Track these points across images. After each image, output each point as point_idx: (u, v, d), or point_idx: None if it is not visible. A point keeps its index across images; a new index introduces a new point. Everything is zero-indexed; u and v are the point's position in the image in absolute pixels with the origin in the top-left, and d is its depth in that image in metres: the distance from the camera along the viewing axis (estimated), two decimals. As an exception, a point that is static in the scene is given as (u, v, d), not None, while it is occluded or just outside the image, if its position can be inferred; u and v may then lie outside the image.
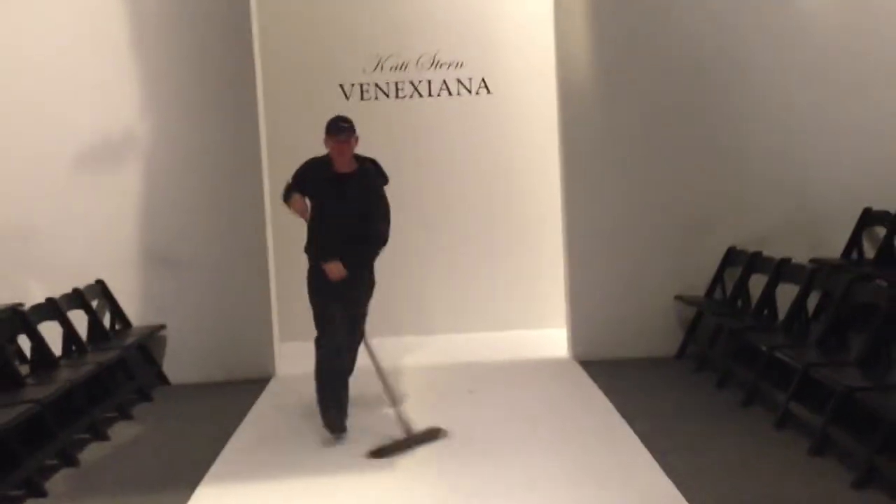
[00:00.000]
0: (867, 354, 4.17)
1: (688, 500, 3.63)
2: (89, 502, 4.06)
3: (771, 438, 4.41)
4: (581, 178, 6.46)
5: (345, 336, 4.74)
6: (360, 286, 4.82)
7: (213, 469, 4.36)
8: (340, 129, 4.67)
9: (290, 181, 4.86)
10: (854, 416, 3.90)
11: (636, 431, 4.60)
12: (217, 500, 4.00)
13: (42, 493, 4.09)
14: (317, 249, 4.76)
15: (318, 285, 4.77)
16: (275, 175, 6.15)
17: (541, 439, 4.60)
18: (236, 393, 5.86)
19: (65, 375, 4.84)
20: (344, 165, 4.72)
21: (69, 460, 4.49)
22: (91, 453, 4.74)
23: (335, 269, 4.67)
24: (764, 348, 4.87)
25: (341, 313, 4.72)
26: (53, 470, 4.40)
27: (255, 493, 4.08)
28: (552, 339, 6.89)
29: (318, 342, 4.78)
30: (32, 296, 5.78)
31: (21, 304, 5.70)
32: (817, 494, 3.66)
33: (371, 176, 4.77)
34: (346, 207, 4.69)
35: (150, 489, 4.17)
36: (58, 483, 4.27)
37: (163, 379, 6.25)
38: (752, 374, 5.00)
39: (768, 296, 5.55)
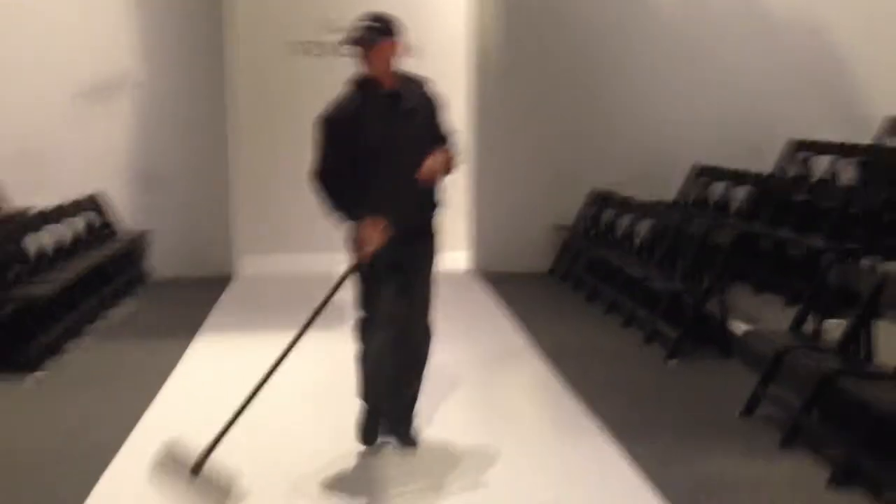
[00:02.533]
0: (686, 273, 5.90)
1: (558, 371, 5.48)
2: (109, 347, 5.69)
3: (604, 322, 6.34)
4: (485, 133, 8.21)
5: (400, 322, 3.64)
6: (427, 252, 3.74)
7: (201, 330, 6.03)
8: (360, 37, 3.48)
9: (320, 143, 3.54)
10: (677, 314, 5.60)
11: (515, 313, 6.46)
12: (208, 347, 5.69)
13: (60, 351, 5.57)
14: (349, 204, 3.52)
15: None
16: (237, 113, 7.79)
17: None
18: (207, 286, 7.50)
19: (61, 274, 5.94)
20: (390, 80, 3.54)
21: (77, 332, 5.87)
22: (101, 323, 6.33)
23: (373, 232, 3.43)
24: (615, 265, 6.63)
25: (398, 291, 3.61)
26: (72, 334, 5.89)
27: (236, 342, 5.78)
28: (455, 258, 8.62)
29: (362, 328, 3.69)
30: (41, 206, 7.25)
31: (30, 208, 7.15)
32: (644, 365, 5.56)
33: (420, 88, 3.66)
34: (405, 135, 3.52)
35: (154, 340, 5.82)
36: (78, 342, 5.82)
37: (145, 275, 7.82)
38: (604, 286, 6.80)
39: (613, 224, 7.39)
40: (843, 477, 3.47)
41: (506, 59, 8.16)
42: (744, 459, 3.83)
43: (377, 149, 3.48)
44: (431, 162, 3.47)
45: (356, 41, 3.45)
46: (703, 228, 5.70)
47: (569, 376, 4.98)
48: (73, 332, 5.80)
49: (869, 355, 3.95)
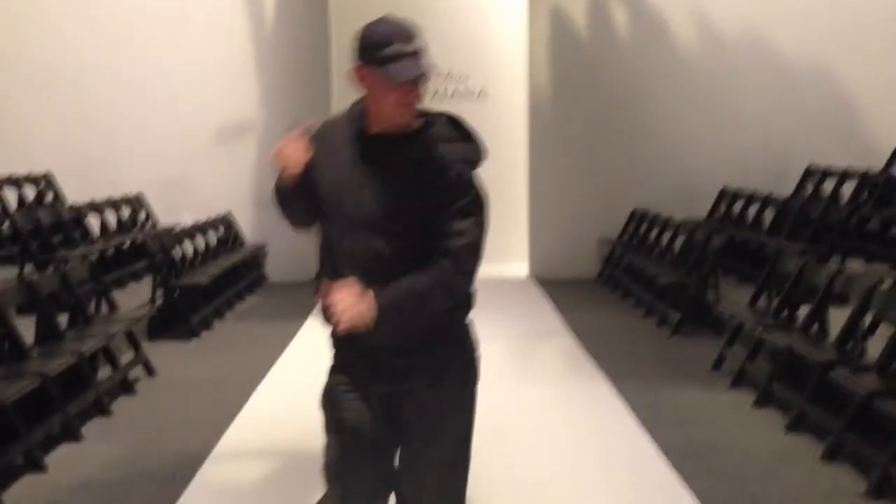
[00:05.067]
0: (689, 269, 7.41)
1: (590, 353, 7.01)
2: (242, 325, 7.47)
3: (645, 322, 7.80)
4: (541, 158, 9.79)
5: None
6: (445, 399, 2.28)
7: (308, 317, 7.75)
8: (408, 57, 2.12)
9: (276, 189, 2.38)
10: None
11: (559, 308, 7.99)
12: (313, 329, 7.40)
13: (209, 326, 7.46)
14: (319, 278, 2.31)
15: (333, 391, 2.30)
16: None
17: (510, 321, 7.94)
18: (311, 287, 9.26)
19: (210, 270, 8.01)
20: (399, 120, 2.19)
21: (220, 314, 7.84)
22: (235, 309, 8.14)
23: (346, 299, 2.10)
24: (652, 273, 8.04)
25: (382, 474, 2.29)
26: (217, 315, 7.77)
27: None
28: (514, 268, 10.15)
29: None
30: (184, 221, 9.16)
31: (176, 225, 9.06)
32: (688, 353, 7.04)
33: (446, 144, 2.21)
34: (388, 204, 2.18)
35: (274, 322, 7.57)
36: (222, 321, 7.64)
37: (264, 277, 9.65)
38: (645, 292, 8.19)
39: (656, 239, 8.79)
40: (763, 399, 4.91)
41: (559, 97, 9.74)
42: (703, 394, 5.30)
43: (340, 204, 2.21)
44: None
45: (405, 72, 2.12)
46: (703, 236, 7.13)
47: (589, 348, 6.47)
48: (218, 314, 7.63)
49: (824, 334, 5.20)
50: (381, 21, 2.17)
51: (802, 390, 4.60)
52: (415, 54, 2.13)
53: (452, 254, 2.17)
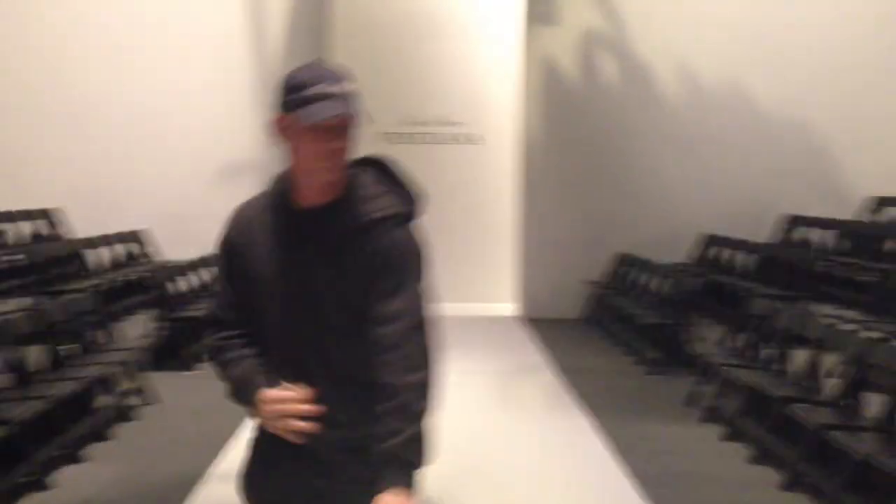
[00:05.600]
0: (678, 321, 7.72)
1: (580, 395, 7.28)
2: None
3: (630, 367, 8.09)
4: (531, 203, 10.14)
5: None
6: None
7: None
8: (331, 98, 1.78)
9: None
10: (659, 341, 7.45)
11: (544, 346, 8.27)
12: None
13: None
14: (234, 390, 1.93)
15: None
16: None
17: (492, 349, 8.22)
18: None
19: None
20: (327, 187, 1.86)
21: None
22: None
23: (282, 405, 1.82)
24: (633, 314, 8.40)
25: None
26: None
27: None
28: (501, 308, 10.42)
29: None
30: (186, 256, 9.45)
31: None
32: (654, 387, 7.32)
33: (373, 202, 1.87)
34: (323, 292, 1.84)
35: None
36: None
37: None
38: (626, 332, 8.51)
39: (639, 282, 9.13)
40: (731, 433, 5.19)
41: (550, 143, 10.13)
42: (676, 428, 5.58)
43: (272, 304, 1.86)
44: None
45: (329, 112, 1.78)
46: (681, 279, 7.45)
47: (570, 384, 6.74)
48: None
49: (783, 371, 5.49)
50: (307, 65, 1.84)
51: (765, 424, 4.88)
52: (341, 96, 1.78)
53: (392, 352, 1.78)
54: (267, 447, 1.95)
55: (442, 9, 11.32)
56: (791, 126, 9.96)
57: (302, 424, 1.80)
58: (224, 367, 1.92)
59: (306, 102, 1.78)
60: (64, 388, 4.74)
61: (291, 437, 1.81)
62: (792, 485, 4.42)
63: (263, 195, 1.96)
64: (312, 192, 1.86)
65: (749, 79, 9.97)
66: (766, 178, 9.93)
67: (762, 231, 9.40)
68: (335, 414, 1.84)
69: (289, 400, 1.80)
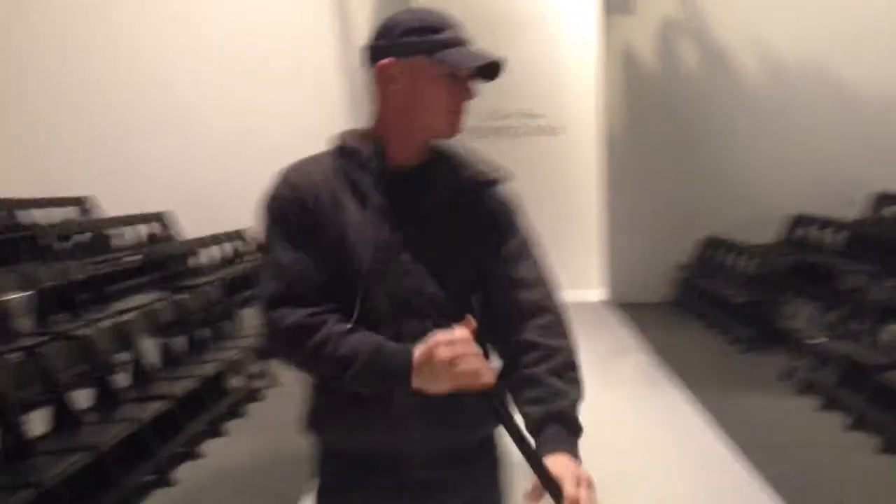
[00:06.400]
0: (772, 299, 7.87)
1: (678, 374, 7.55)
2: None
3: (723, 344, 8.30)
4: (617, 189, 10.39)
5: None
6: None
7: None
8: (467, 44, 1.60)
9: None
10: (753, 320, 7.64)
11: (642, 339, 8.52)
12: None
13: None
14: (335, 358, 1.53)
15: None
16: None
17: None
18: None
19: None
20: (425, 147, 1.65)
21: None
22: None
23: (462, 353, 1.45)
24: (725, 295, 8.60)
25: None
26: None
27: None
28: (590, 294, 10.72)
29: None
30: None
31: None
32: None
33: (468, 168, 1.67)
34: (443, 256, 1.61)
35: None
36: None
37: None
38: (719, 313, 8.72)
39: (730, 264, 9.27)
40: (828, 403, 5.40)
41: (632, 130, 10.37)
42: (772, 401, 5.80)
43: (374, 273, 1.57)
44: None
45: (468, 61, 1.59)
46: (773, 258, 7.61)
47: (665, 363, 7.01)
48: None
49: (875, 343, 5.66)
50: (413, 10, 1.63)
51: (862, 393, 5.07)
52: (474, 44, 1.60)
53: (544, 315, 1.64)
54: (338, 467, 1.64)
55: (520, 2, 11.64)
56: (877, 103, 9.95)
57: (486, 364, 1.46)
58: (330, 344, 1.51)
59: (445, 46, 1.56)
60: (206, 370, 5.26)
61: (478, 382, 1.44)
62: (890, 448, 4.62)
63: (327, 155, 1.65)
64: (410, 152, 1.63)
65: (832, 57, 9.99)
66: (853, 156, 9.93)
67: (851, 210, 9.43)
68: (449, 411, 1.55)
69: (462, 340, 1.44)
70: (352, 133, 1.67)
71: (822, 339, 5.72)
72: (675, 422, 5.56)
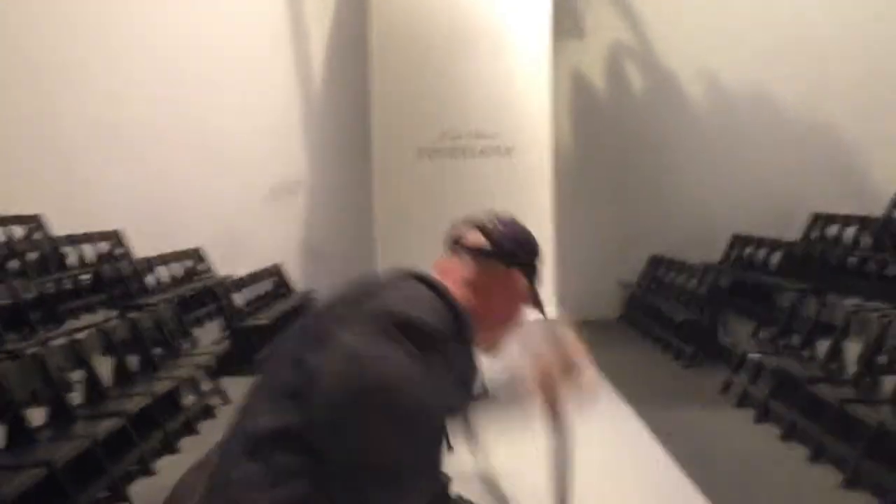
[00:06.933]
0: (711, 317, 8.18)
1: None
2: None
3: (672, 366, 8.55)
4: (565, 208, 10.63)
5: None
6: None
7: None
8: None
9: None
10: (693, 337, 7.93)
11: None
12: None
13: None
14: None
15: None
16: (381, 200, 10.49)
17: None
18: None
19: (271, 313, 9.02)
20: (500, 345, 1.78)
21: None
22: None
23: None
24: (668, 312, 8.89)
25: None
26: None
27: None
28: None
29: None
30: (238, 271, 10.05)
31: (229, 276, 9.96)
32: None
33: None
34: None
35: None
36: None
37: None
38: (662, 330, 9.02)
39: (672, 282, 9.58)
40: (762, 415, 5.65)
41: (581, 151, 10.68)
42: (711, 413, 6.03)
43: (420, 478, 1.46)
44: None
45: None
46: (713, 277, 7.91)
47: (609, 378, 7.22)
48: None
49: (809, 357, 5.96)
50: (528, 230, 1.82)
51: (794, 406, 5.34)
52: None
53: None
54: None
55: (472, 25, 11.90)
56: (815, 126, 10.37)
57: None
58: None
59: (537, 272, 1.79)
60: (159, 388, 5.33)
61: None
62: (818, 456, 4.88)
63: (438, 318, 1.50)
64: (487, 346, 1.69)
65: (771, 81, 10.40)
66: (793, 177, 10.32)
67: (791, 229, 9.80)
68: None
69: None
70: (447, 305, 1.56)
71: (758, 355, 5.99)
72: (617, 434, 5.76)
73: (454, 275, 1.64)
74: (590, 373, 1.75)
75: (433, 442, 1.42)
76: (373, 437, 1.33)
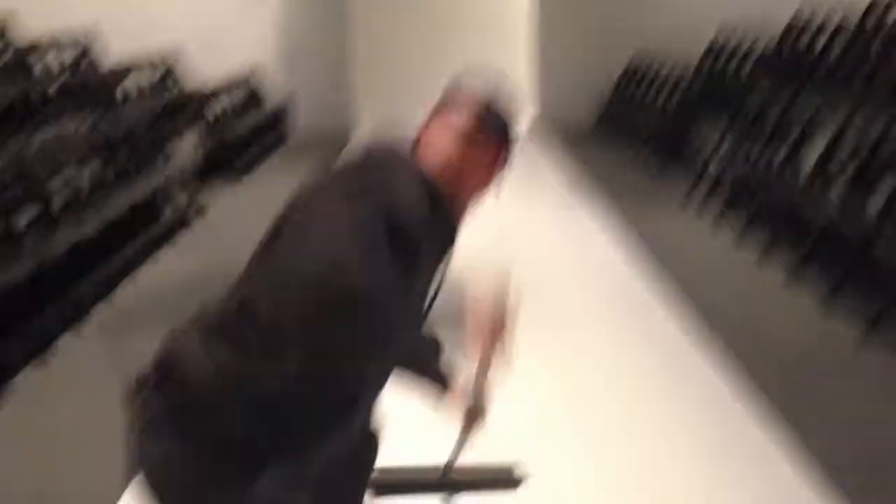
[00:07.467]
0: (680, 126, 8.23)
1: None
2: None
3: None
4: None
5: None
6: None
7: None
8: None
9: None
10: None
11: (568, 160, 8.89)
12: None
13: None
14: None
15: None
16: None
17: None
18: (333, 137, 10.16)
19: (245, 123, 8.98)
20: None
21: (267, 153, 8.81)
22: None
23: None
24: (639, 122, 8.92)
25: None
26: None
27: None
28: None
29: None
30: (214, 74, 9.86)
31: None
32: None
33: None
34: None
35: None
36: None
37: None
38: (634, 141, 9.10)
39: (648, 87, 9.51)
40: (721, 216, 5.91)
41: None
42: (674, 216, 6.27)
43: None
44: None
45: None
46: (686, 86, 7.91)
47: (582, 181, 7.42)
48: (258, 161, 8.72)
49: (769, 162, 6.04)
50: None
51: (748, 210, 5.55)
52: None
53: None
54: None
55: None
56: None
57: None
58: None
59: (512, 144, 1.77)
60: (137, 194, 5.46)
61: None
62: (768, 251, 5.16)
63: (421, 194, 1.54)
64: (462, 213, 1.69)
65: None
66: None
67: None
68: None
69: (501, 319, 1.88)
70: (434, 177, 1.61)
71: (720, 163, 6.14)
72: (589, 231, 6.03)
73: (438, 154, 1.64)
74: (510, 343, 1.87)
75: (386, 356, 1.49)
76: (335, 343, 1.38)
